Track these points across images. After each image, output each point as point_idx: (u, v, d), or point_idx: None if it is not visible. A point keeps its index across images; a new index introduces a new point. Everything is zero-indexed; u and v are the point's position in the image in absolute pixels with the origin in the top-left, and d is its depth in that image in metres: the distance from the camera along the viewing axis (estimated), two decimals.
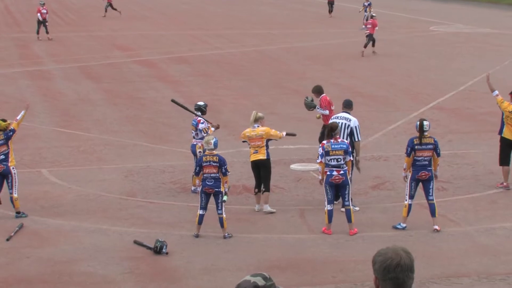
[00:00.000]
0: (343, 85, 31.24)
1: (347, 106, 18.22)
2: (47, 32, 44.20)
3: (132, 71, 35.31)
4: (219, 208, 15.61)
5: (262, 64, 36.68)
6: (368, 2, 52.70)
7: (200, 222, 15.63)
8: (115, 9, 56.33)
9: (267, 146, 17.09)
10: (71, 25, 52.34)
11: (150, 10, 60.61)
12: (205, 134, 17.90)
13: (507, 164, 18.69)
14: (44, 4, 44.96)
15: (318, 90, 20.00)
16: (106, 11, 56.47)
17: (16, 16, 56.77)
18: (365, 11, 50.40)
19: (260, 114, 17.23)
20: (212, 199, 15.69)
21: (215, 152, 15.70)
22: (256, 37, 46.40)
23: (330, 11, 57.77)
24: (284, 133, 17.54)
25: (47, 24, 44.45)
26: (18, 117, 17.29)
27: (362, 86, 31.28)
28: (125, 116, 26.64)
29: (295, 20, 54.94)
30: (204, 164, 15.60)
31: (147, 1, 67.83)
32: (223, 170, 15.64)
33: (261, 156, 16.99)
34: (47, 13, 44.57)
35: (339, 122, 17.49)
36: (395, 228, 16.06)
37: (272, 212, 17.02)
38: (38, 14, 44.51)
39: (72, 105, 28.27)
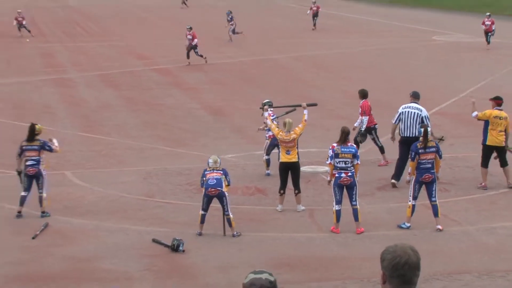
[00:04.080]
0: (349, 91, 31.24)
1: (416, 97, 19.54)
2: (189, 57, 38.70)
3: (150, 78, 35.39)
4: (226, 210, 15.61)
5: (272, 72, 36.66)
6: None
7: (202, 221, 15.70)
8: (26, 28, 50.46)
9: (297, 146, 17.24)
10: (92, 35, 52.51)
11: (167, 20, 60.66)
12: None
13: (487, 166, 18.88)
14: (191, 28, 39.06)
15: (363, 94, 20.95)
16: (20, 30, 50.64)
17: (41, 27, 56.95)
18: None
19: (291, 121, 17.28)
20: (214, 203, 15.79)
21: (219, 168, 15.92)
22: (267, 46, 46.40)
23: (314, 24, 55.59)
24: (306, 116, 17.59)
25: (192, 49, 38.50)
26: (56, 145, 17.46)
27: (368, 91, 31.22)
28: (143, 121, 26.70)
29: (304, 30, 54.91)
30: (208, 172, 15.70)
31: (165, 11, 67.94)
32: (228, 179, 15.77)
33: (294, 158, 17.06)
34: (192, 38, 38.48)
35: (411, 112, 18.85)
36: (399, 227, 16.06)
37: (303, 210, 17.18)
38: (189, 40, 38.71)
39: (93, 111, 28.37)
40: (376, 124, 20.85)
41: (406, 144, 17.65)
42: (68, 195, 18.39)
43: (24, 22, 50.13)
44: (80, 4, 76.60)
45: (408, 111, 19.03)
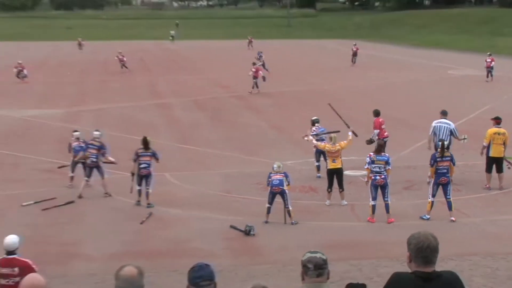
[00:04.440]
0: (382, 113, 30.97)
1: (445, 114, 19.72)
2: (255, 87, 38.33)
3: (229, 103, 35.61)
4: (286, 204, 15.62)
5: (321, 97, 36.24)
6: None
7: (268, 212, 15.73)
8: (126, 67, 50.24)
9: (341, 156, 17.23)
10: (186, 70, 53.01)
11: (238, 58, 60.86)
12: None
13: (491, 172, 18.80)
14: (254, 64, 39.66)
15: (376, 113, 21.10)
16: (122, 67, 50.14)
17: (148, 64, 57.77)
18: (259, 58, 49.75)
19: (335, 136, 17.54)
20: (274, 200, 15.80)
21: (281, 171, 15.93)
22: (318, 78, 46.29)
23: (354, 61, 54.91)
24: (350, 136, 17.66)
25: (256, 80, 38.19)
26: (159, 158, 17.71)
27: (397, 113, 30.96)
28: (224, 135, 26.86)
29: (347, 66, 54.59)
30: (272, 174, 15.70)
31: (238, 52, 68.03)
32: (288, 179, 15.78)
33: (338, 165, 17.07)
34: (256, 71, 38.42)
35: (442, 126, 19.21)
36: (421, 218, 15.91)
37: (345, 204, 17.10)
38: (253, 72, 38.54)
39: (187, 127, 28.65)
40: (386, 137, 20.70)
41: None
42: (167, 191, 18.59)
43: (125, 59, 50.88)
44: (176, 47, 77.51)
45: (440, 125, 19.29)
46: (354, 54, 55.11)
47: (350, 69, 52.63)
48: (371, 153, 16.09)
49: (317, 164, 19.88)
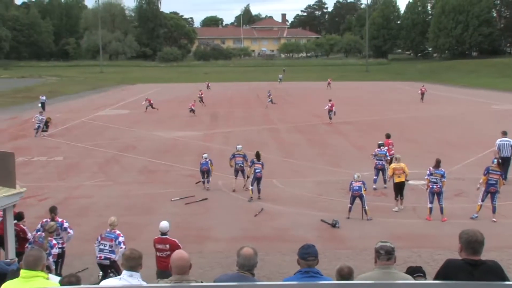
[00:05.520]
0: (437, 137, 29.94)
1: (505, 134, 19.68)
2: (330, 118, 37.37)
3: (320, 128, 35.37)
4: (364, 204, 15.41)
5: (391, 124, 35.58)
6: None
7: (349, 210, 15.53)
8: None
9: (403, 172, 16.69)
10: (290, 103, 53.18)
11: (324, 95, 60.60)
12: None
13: None
14: (330, 100, 38.55)
15: (387, 135, 20.91)
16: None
17: (262, 99, 58.17)
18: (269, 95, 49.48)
19: (399, 156, 17.09)
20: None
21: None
22: (389, 111, 45.22)
23: (422, 99, 51.79)
24: (407, 171, 17.03)
25: (330, 113, 37.32)
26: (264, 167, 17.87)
27: (450, 137, 29.79)
28: (317, 152, 26.70)
29: (415, 102, 53.09)
30: (353, 182, 15.47)
31: (324, 90, 67.40)
32: (365, 186, 15.60)
33: (402, 179, 16.59)
34: (331, 106, 37.52)
35: (504, 143, 19.14)
36: (471, 218, 15.29)
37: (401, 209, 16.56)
38: (328, 107, 37.70)
39: (289, 145, 28.69)
40: (392, 154, 19.90)
41: (503, 160, 17.18)
42: (274, 192, 18.69)
43: (202, 95, 50.92)
44: (283, 87, 77.98)
45: (503, 143, 19.23)
46: (422, 93, 53.19)
47: (414, 103, 51.08)
48: (431, 168, 15.67)
49: (374, 177, 19.12)
